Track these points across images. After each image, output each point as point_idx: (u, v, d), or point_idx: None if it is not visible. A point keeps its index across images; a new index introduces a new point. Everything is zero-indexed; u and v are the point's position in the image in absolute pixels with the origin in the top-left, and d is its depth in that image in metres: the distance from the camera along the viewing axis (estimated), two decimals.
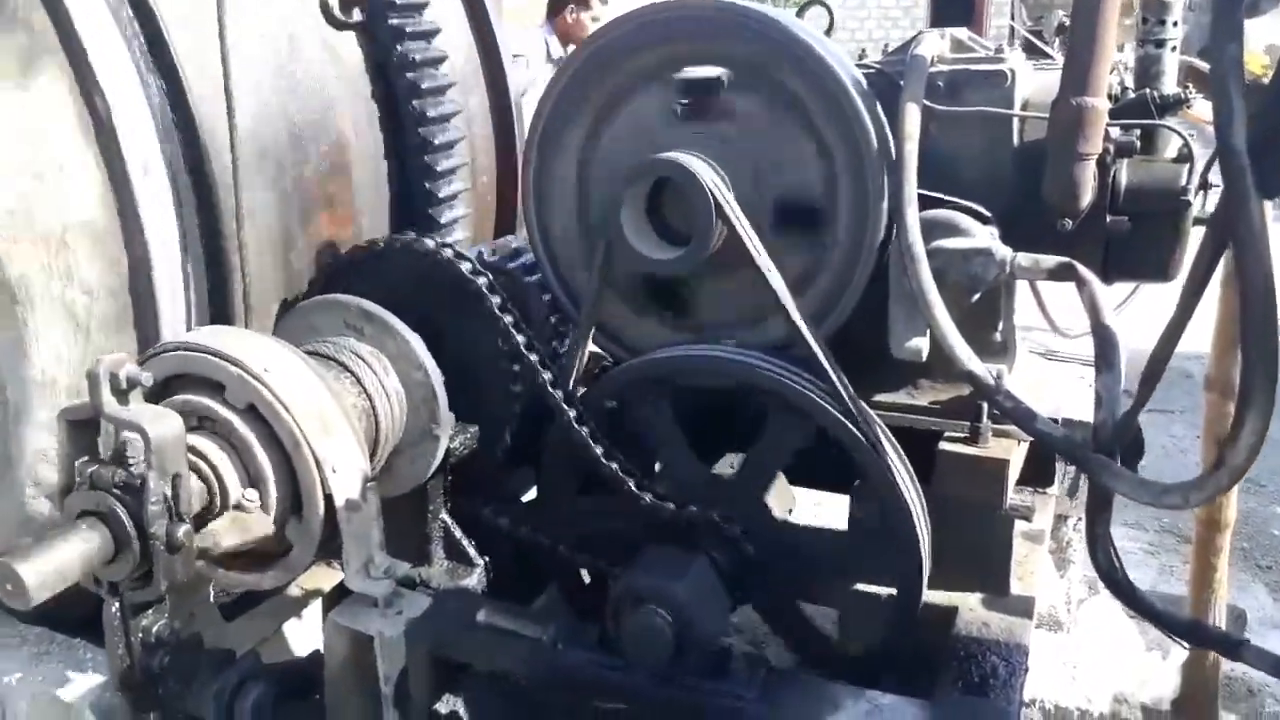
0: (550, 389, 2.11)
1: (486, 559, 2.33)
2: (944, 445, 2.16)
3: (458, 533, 2.31)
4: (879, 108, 2.07)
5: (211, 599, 2.08)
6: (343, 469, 1.78)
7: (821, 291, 2.18)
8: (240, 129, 2.03)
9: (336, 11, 2.41)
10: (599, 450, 2.11)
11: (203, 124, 2.05)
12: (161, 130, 1.98)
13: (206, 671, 1.79)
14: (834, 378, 2.01)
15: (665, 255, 2.11)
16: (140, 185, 1.91)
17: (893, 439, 2.06)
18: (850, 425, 2.00)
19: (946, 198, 2.06)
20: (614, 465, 2.10)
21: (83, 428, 1.64)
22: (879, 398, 2.28)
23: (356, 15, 2.46)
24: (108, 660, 1.73)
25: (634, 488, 2.08)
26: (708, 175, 2.04)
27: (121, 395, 1.58)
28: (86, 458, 1.64)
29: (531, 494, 2.47)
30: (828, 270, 2.16)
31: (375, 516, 1.78)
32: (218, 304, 2.14)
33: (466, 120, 2.75)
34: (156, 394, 1.82)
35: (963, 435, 2.17)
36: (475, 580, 2.29)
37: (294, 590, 2.33)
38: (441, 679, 2.01)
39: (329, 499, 1.76)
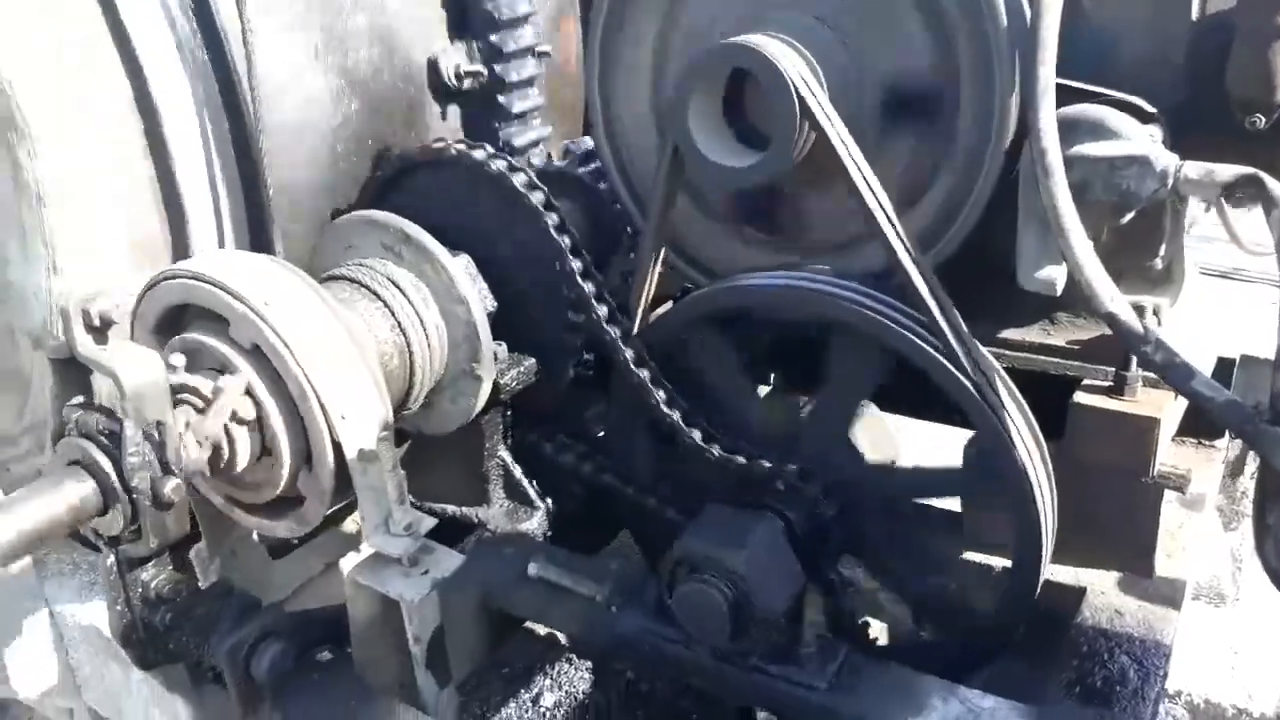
0: (605, 325, 1.84)
1: (550, 500, 2.13)
2: (1080, 396, 1.78)
3: (517, 472, 2.11)
4: None
5: (255, 536, 1.97)
6: (355, 416, 1.58)
7: (934, 207, 1.80)
8: None
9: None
10: (659, 396, 1.84)
11: None
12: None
13: (226, 623, 1.67)
14: (937, 314, 1.65)
15: (739, 162, 1.77)
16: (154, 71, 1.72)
17: (1012, 388, 1.70)
18: (958, 373, 1.65)
19: (1095, 89, 1.63)
20: (675, 415, 1.83)
21: (72, 367, 1.49)
22: (1006, 334, 1.91)
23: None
24: (107, 615, 1.63)
25: (698, 440, 1.81)
26: (792, 65, 1.67)
27: (98, 334, 1.42)
28: (79, 400, 1.50)
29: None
30: (941, 181, 1.78)
31: (392, 468, 1.58)
32: (254, 214, 1.95)
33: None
34: (168, 324, 1.67)
35: (1105, 384, 1.78)
36: (536, 524, 2.10)
37: (348, 525, 2.20)
38: (496, 632, 1.85)
39: (338, 448, 1.57)
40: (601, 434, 2.17)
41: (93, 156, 1.70)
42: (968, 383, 1.65)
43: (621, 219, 2.20)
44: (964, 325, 1.68)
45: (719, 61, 1.71)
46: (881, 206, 1.68)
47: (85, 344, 1.41)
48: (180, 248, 1.85)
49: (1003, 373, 1.72)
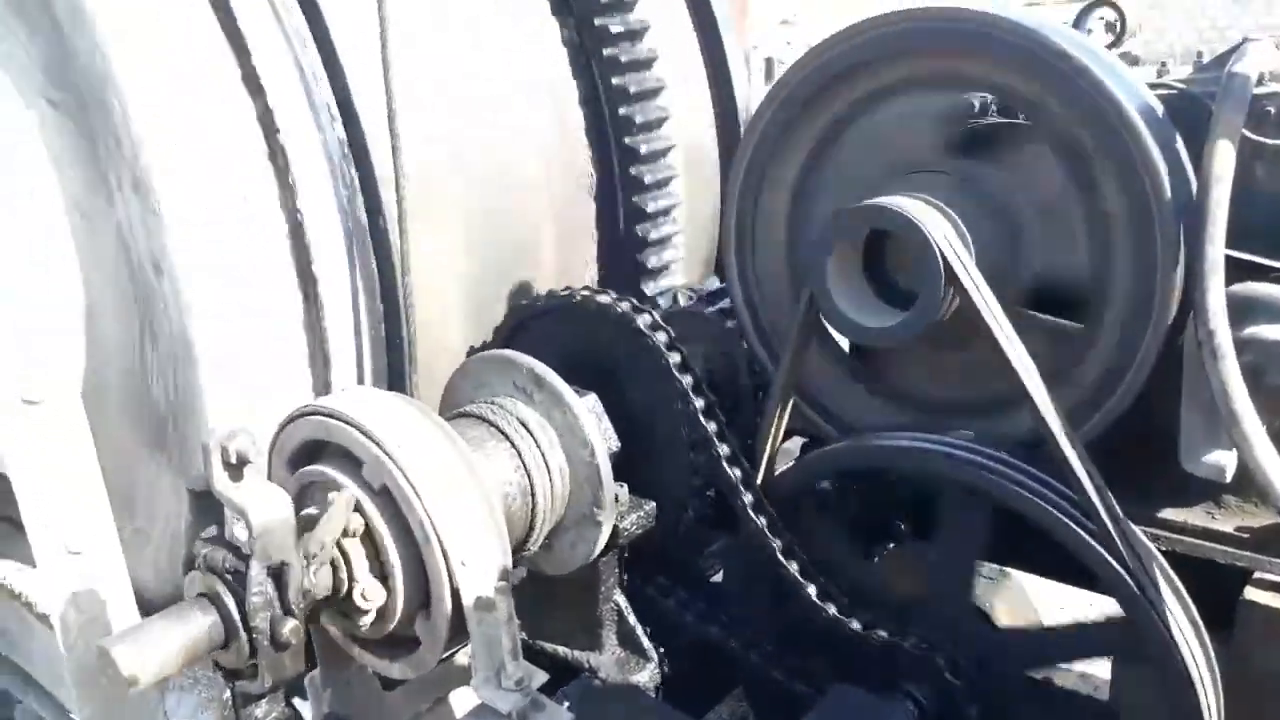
0: (726, 466, 1.80)
1: (662, 651, 2.05)
2: (1253, 593, 1.62)
3: (631, 619, 2.05)
4: (1178, 142, 1.57)
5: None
6: (475, 563, 1.56)
7: (1086, 383, 1.71)
8: (414, 165, 1.87)
9: None
10: (777, 545, 1.77)
11: (377, 160, 1.90)
12: (335, 166, 1.86)
13: None
14: (1093, 498, 1.54)
15: (879, 322, 1.72)
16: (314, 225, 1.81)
17: (1171, 576, 1.56)
18: (1113, 561, 1.53)
19: (1271, 263, 1.53)
20: (793, 567, 1.75)
21: (207, 499, 1.53)
22: (1166, 514, 1.77)
23: None
24: None
25: (813, 595, 1.72)
26: (939, 229, 1.63)
27: (234, 470, 1.45)
28: (211, 532, 1.53)
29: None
30: (1095, 359, 1.68)
31: (508, 619, 1.55)
32: (393, 352, 2.01)
33: (684, 148, 2.46)
34: (304, 456, 1.71)
35: None
36: (648, 677, 2.02)
37: (460, 658, 2.17)
38: None
39: (456, 594, 1.55)
40: (719, 583, 2.10)
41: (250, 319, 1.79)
42: (1122, 569, 1.52)
43: (747, 359, 2.17)
44: (1117, 504, 1.56)
45: (862, 222, 1.68)
46: (1030, 377, 1.60)
47: (221, 480, 1.44)
48: (321, 380, 1.90)
49: (1161, 559, 1.59)
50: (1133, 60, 2.40)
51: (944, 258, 1.61)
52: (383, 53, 1.75)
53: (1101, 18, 2.67)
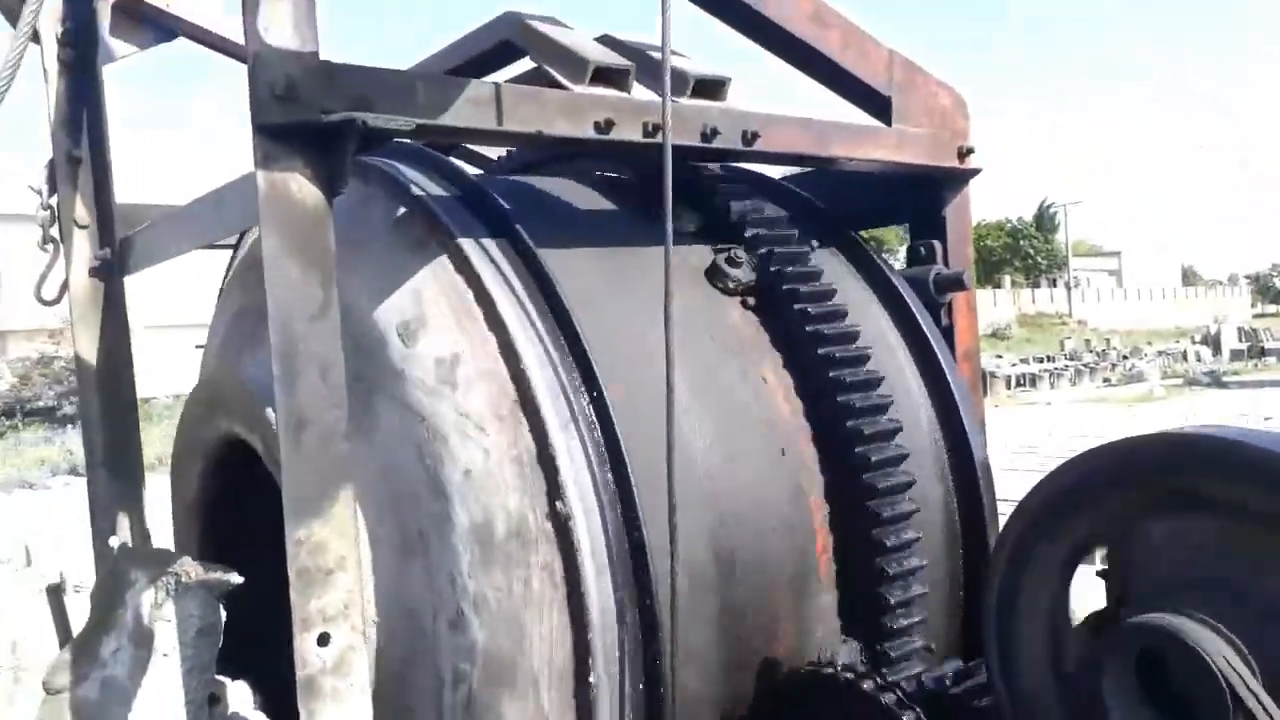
0: None
1: None
2: None
3: None
4: None
5: None
6: None
7: None
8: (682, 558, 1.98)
9: None
10: None
11: (652, 547, 2.02)
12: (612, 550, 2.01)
13: None
14: None
15: None
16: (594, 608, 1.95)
17: None
18: None
19: None
20: None
21: None
22: None
23: None
24: None
25: None
26: (1219, 652, 1.57)
27: None
28: None
29: None
30: None
31: None
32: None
33: (926, 513, 2.49)
34: None
35: None
36: None
37: None
38: None
39: None
40: None
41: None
42: None
43: None
44: None
45: (1134, 641, 1.65)
46: None
47: None
48: None
49: None
50: None
51: (1229, 683, 1.55)
52: (669, 459, 1.90)
53: None
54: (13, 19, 3.09)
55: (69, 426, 25.96)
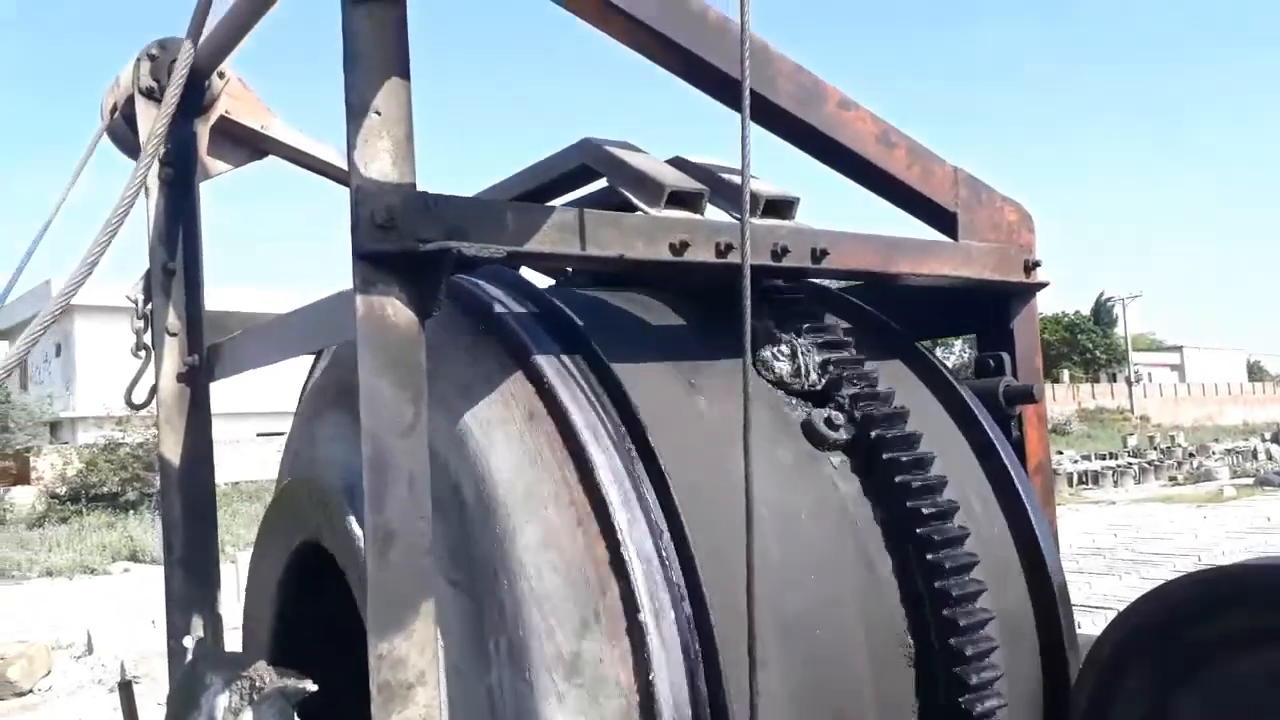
0: None
1: None
2: None
3: None
4: None
5: None
6: None
7: None
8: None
9: None
10: None
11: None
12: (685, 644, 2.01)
13: None
14: None
15: None
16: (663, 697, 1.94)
17: None
18: None
19: None
20: None
21: None
22: None
23: None
24: None
25: None
26: None
27: None
28: None
29: None
30: None
31: None
32: None
33: (1001, 619, 2.46)
34: None
35: None
36: None
37: None
38: None
39: None
40: None
41: None
42: None
43: None
44: None
45: None
46: None
47: None
48: None
49: None
50: None
51: None
52: (748, 554, 1.93)
53: None
54: (126, 149, 3.31)
55: (130, 513, 26.51)
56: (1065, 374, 72.94)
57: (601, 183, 2.77)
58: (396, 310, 1.88)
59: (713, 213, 2.59)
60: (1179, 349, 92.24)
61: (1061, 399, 63.23)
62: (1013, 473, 2.63)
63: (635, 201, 2.44)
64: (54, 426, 38.82)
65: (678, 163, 2.68)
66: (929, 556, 2.39)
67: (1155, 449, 41.14)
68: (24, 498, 28.94)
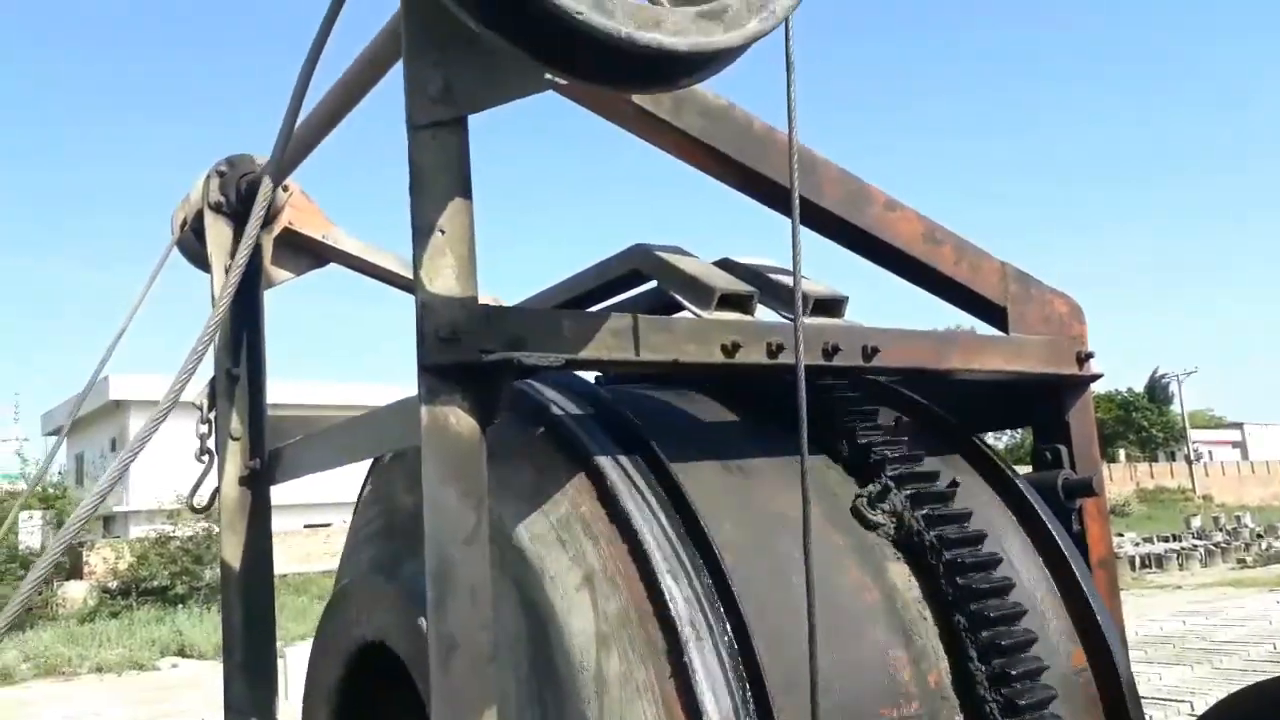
0: None
1: None
2: None
3: None
4: None
5: None
6: None
7: None
8: None
9: None
10: None
11: None
12: None
13: None
14: None
15: None
16: None
17: None
18: None
19: None
20: None
21: None
22: None
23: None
24: None
25: None
26: None
27: None
28: None
29: None
30: None
31: None
32: None
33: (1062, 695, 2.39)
34: None
35: None
36: None
37: None
38: None
39: None
40: None
41: None
42: None
43: None
44: None
45: None
46: None
47: None
48: None
49: None
50: None
51: None
52: (811, 657, 1.91)
53: None
54: (195, 260, 3.46)
55: (179, 606, 26.61)
56: (1121, 453, 71.24)
57: (652, 283, 2.83)
58: (459, 419, 1.92)
59: (762, 313, 2.64)
60: (1239, 425, 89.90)
61: (1119, 479, 61.65)
62: (1075, 568, 2.58)
63: (687, 305, 2.49)
64: (107, 520, 39.40)
65: (725, 264, 2.74)
66: (996, 662, 2.34)
67: (1221, 530, 39.77)
68: (76, 592, 29.20)
